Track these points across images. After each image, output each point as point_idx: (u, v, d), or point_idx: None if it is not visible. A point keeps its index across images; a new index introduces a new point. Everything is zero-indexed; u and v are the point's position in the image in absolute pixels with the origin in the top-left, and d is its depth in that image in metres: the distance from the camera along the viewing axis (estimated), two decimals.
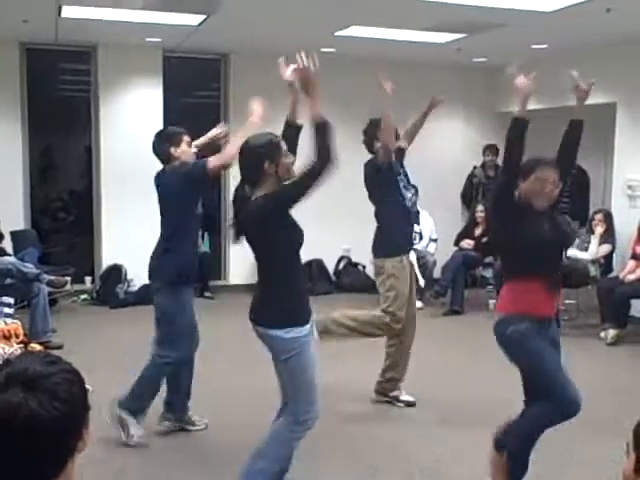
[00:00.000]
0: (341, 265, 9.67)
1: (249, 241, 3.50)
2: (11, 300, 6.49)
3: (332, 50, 8.52)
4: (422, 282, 5.44)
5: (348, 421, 5.02)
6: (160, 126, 8.82)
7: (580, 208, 8.61)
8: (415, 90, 9.69)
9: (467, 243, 8.64)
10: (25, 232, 8.44)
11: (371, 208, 5.40)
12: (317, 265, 9.49)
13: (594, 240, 7.51)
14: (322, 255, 9.42)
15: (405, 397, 5.34)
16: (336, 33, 7.49)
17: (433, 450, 4.54)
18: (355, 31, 7.39)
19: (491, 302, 8.09)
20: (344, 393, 5.49)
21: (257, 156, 3.48)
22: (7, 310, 6.19)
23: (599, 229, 7.49)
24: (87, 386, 1.42)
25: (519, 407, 3.78)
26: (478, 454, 4.26)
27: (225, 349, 6.48)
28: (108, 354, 6.42)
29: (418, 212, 8.63)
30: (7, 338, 3.21)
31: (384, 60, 8.99)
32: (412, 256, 5.24)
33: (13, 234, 8.12)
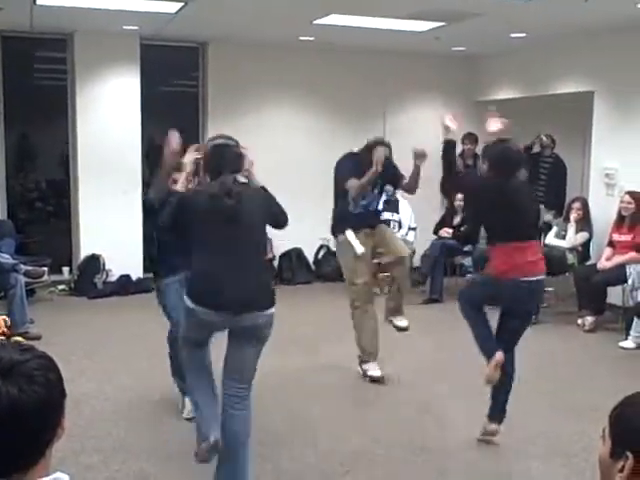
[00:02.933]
0: (320, 254, 9.66)
1: (249, 227, 3.67)
2: None
3: (311, 39, 8.49)
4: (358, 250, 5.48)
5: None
6: (138, 115, 8.81)
7: (556, 197, 8.64)
8: (394, 78, 9.74)
9: (446, 232, 8.67)
10: (1, 222, 8.34)
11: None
12: (296, 254, 9.48)
13: (571, 228, 7.56)
14: (301, 244, 9.42)
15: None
16: (315, 21, 7.46)
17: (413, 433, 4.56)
18: (334, 19, 7.36)
19: None
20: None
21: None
22: None
23: (575, 217, 7.54)
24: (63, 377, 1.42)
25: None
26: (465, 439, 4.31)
27: None
28: (87, 345, 6.39)
29: (397, 201, 8.66)
30: None
31: (364, 48, 9.03)
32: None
33: None
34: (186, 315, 3.71)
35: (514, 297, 4.20)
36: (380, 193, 5.70)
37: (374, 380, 5.53)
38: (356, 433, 4.61)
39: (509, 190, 4.22)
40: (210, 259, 3.63)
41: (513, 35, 8.09)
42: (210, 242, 3.65)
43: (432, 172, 9.34)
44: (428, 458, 4.28)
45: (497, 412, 4.40)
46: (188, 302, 3.63)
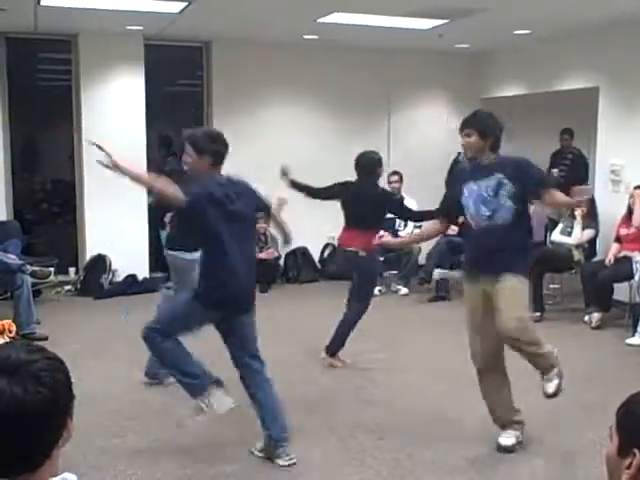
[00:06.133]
0: (326, 253, 9.65)
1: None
2: None
3: (315, 37, 8.49)
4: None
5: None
6: (142, 115, 8.81)
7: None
8: (398, 77, 9.73)
9: (451, 229, 8.64)
10: (7, 223, 8.37)
11: None
12: (302, 253, 9.48)
13: (577, 225, 7.54)
14: (307, 243, 9.41)
15: None
16: (318, 20, 7.45)
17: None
18: (337, 18, 7.35)
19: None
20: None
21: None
22: None
23: (580, 213, 7.50)
24: (72, 379, 1.41)
25: None
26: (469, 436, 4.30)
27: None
28: (93, 345, 6.40)
29: (402, 198, 8.64)
30: (0, 333, 3.19)
31: (367, 46, 9.02)
32: None
33: None
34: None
35: None
36: None
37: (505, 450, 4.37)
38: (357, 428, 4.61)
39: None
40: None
41: (517, 32, 8.07)
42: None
43: (437, 169, 9.41)
44: (440, 449, 4.28)
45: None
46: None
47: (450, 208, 4.46)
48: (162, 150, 10.03)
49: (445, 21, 7.50)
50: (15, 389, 1.29)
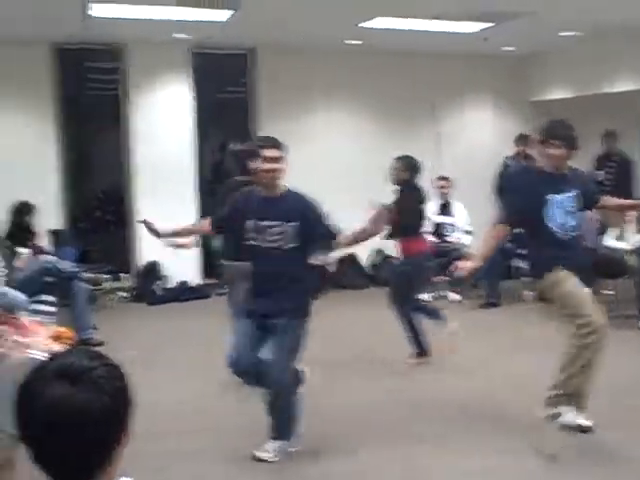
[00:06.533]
0: (376, 259, 9.63)
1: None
2: (52, 298, 6.58)
3: (358, 42, 8.51)
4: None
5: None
6: (190, 122, 8.94)
7: (624, 195, 8.47)
8: (443, 81, 9.69)
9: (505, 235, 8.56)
10: (63, 231, 8.56)
11: None
12: (351, 259, 9.47)
13: (630, 229, 7.39)
14: (356, 249, 9.42)
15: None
16: (360, 25, 7.47)
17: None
18: (380, 22, 7.35)
19: (527, 293, 8.04)
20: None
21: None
22: (49, 308, 6.27)
23: (629, 218, 7.34)
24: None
25: None
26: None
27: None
28: (147, 350, 6.47)
29: (451, 204, 8.62)
30: (58, 339, 3.30)
31: (411, 51, 9.00)
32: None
33: (51, 233, 8.24)
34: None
35: None
36: None
37: (582, 430, 4.40)
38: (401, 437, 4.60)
39: None
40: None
41: (564, 33, 7.99)
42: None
43: (484, 173, 9.34)
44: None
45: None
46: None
47: (521, 214, 4.42)
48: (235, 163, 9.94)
49: (491, 24, 7.46)
50: (77, 396, 1.32)
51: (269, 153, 4.13)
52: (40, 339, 3.37)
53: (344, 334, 6.93)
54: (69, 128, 9.02)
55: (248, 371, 4.17)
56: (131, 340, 6.79)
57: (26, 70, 8.38)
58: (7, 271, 6.32)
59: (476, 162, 9.54)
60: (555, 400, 4.39)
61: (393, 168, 5.92)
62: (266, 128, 8.74)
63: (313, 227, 4.19)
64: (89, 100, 9.71)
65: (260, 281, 4.22)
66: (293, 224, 4.12)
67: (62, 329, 5.66)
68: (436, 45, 8.64)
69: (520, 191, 4.52)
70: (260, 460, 4.20)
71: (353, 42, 8.50)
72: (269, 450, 4.23)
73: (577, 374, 4.31)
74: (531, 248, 4.69)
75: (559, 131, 4.26)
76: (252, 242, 4.17)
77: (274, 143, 4.19)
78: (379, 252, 9.54)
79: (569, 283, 4.35)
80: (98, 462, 1.37)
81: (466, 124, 9.93)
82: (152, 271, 8.75)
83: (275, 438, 4.25)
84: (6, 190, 7.76)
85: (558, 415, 4.38)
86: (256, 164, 4.20)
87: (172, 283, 8.82)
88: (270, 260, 4.13)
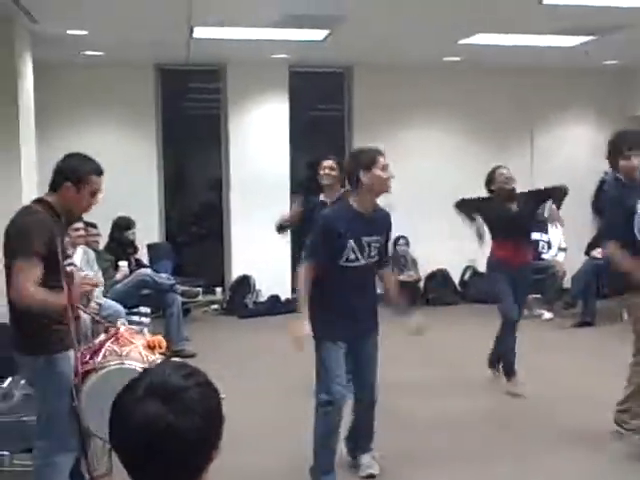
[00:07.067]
0: (467, 275, 9.53)
1: None
2: (147, 310, 6.79)
3: (457, 59, 8.45)
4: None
5: None
6: (287, 139, 9.07)
7: None
8: (541, 96, 9.49)
9: (598, 252, 8.32)
10: (160, 245, 8.82)
11: None
12: (441, 275, 9.40)
13: None
14: (447, 265, 9.34)
15: None
16: (460, 41, 7.42)
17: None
18: (480, 39, 7.28)
19: (625, 313, 7.75)
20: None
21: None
22: (144, 319, 6.46)
23: None
24: (222, 395, 1.45)
25: None
26: None
27: None
28: (238, 363, 6.56)
29: (546, 221, 8.42)
30: (151, 348, 3.39)
31: (510, 66, 8.86)
32: None
33: (149, 247, 8.50)
34: None
35: None
36: None
37: None
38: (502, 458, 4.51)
39: None
40: None
41: None
42: None
43: (583, 192, 9.08)
44: None
45: None
46: None
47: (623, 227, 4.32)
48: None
49: (592, 37, 7.28)
50: (169, 416, 1.32)
51: (384, 161, 3.97)
52: (136, 348, 3.45)
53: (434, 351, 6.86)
54: (170, 146, 9.32)
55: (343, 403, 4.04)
56: (222, 352, 6.89)
57: (131, 90, 8.74)
58: (106, 283, 6.54)
59: (574, 178, 9.26)
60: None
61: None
62: (362, 146, 8.75)
63: (387, 242, 4.23)
64: (190, 119, 9.99)
65: (349, 300, 3.97)
66: (381, 237, 4.08)
67: (157, 338, 5.82)
68: (535, 60, 8.48)
69: (617, 203, 4.42)
70: (371, 477, 4.22)
71: (452, 59, 8.45)
72: (370, 464, 4.26)
73: None
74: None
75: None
76: (348, 263, 3.91)
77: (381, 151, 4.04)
78: (469, 268, 9.43)
79: None
80: (188, 478, 1.38)
81: (565, 140, 9.70)
82: (244, 285, 8.90)
83: (365, 450, 4.30)
84: (109, 206, 8.00)
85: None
86: (370, 175, 3.89)
87: (263, 297, 8.94)
88: (361, 277, 4.00)
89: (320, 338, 3.96)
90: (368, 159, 3.94)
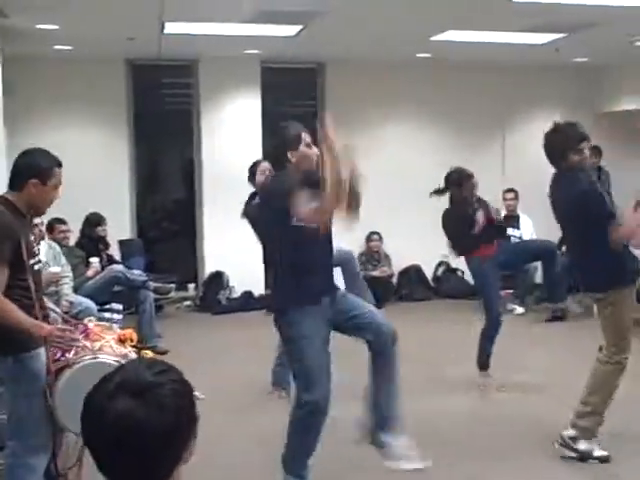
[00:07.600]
0: (440, 271, 9.58)
1: None
2: (120, 306, 6.72)
3: (428, 55, 8.48)
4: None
5: None
6: (259, 135, 9.05)
7: None
8: (512, 93, 9.57)
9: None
10: (132, 241, 8.76)
11: None
12: (415, 271, 9.44)
13: None
14: (420, 261, 9.38)
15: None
16: (432, 38, 7.45)
17: None
18: (451, 35, 7.32)
19: (595, 306, 7.84)
20: None
21: None
22: (115, 316, 6.40)
23: None
24: (197, 394, 1.43)
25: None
26: None
27: None
28: (211, 360, 6.53)
29: (518, 216, 8.51)
30: (122, 342, 3.38)
31: (481, 63, 8.93)
32: None
33: (121, 243, 8.43)
34: None
35: None
36: None
37: (602, 461, 4.23)
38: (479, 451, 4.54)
39: None
40: None
41: (639, 43, 7.80)
42: None
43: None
44: None
45: None
46: None
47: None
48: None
49: (563, 35, 7.35)
50: (139, 412, 1.31)
51: (308, 138, 3.96)
52: (107, 343, 3.45)
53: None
54: (141, 141, 9.27)
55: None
56: (195, 348, 6.84)
57: (102, 85, 8.66)
58: (76, 279, 6.48)
59: (542, 174, 9.34)
60: None
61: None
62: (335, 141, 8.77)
63: None
64: (161, 115, 9.93)
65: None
66: None
67: (126, 331, 5.78)
68: (506, 57, 8.55)
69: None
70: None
71: (424, 55, 8.48)
72: (412, 455, 3.78)
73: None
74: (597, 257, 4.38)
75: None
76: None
77: None
78: (442, 264, 9.48)
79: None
80: (159, 477, 1.37)
81: (536, 136, 9.74)
82: (217, 281, 8.87)
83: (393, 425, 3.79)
84: (79, 202, 7.97)
85: None
86: (298, 153, 3.89)
87: (237, 293, 8.91)
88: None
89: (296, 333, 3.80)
90: (295, 138, 3.87)
